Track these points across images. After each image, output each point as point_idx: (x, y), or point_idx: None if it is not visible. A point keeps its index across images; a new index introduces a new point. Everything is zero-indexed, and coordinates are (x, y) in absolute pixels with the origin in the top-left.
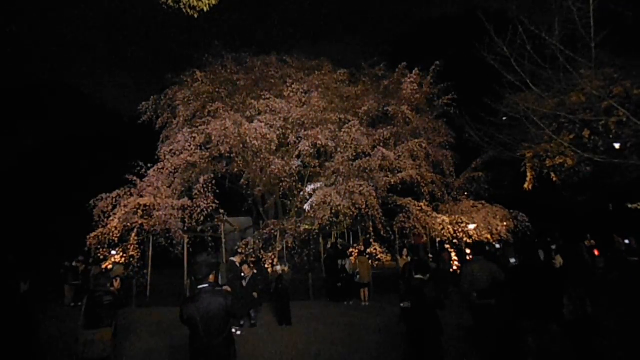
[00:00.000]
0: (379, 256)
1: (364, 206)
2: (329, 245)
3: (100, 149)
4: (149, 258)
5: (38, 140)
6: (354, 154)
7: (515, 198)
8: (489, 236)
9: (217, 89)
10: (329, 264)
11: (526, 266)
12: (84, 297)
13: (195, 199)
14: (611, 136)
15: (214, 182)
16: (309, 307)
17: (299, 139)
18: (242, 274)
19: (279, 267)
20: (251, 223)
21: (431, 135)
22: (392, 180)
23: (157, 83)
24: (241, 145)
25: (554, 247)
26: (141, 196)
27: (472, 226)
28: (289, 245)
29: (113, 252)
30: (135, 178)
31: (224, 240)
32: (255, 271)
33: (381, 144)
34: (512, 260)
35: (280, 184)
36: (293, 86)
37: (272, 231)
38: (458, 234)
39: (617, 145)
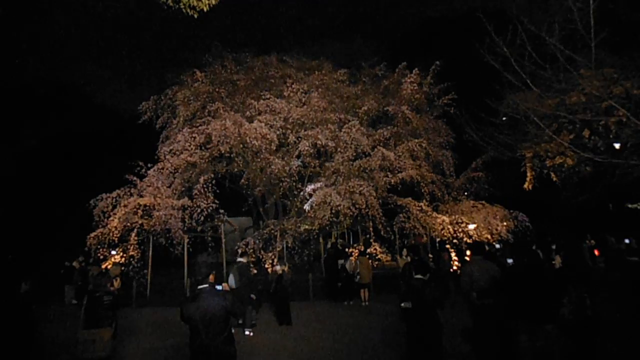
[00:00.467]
0: (379, 256)
1: (364, 206)
2: (329, 245)
3: (101, 149)
4: (149, 258)
5: (38, 140)
6: (354, 154)
7: (515, 198)
8: (489, 236)
9: (217, 89)
10: (329, 264)
11: (521, 266)
12: (84, 296)
13: (195, 199)
14: (611, 136)
15: (214, 182)
16: (309, 307)
17: (299, 139)
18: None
19: (278, 267)
20: (251, 223)
21: (431, 135)
22: (392, 180)
23: (157, 83)
24: (241, 145)
25: (554, 247)
26: (141, 196)
27: (472, 226)
28: (289, 245)
29: (113, 252)
30: (135, 178)
31: (224, 240)
32: (255, 271)
33: (381, 144)
34: (509, 261)
35: (280, 184)
36: (293, 86)
37: (272, 231)
38: (458, 234)
39: (617, 145)
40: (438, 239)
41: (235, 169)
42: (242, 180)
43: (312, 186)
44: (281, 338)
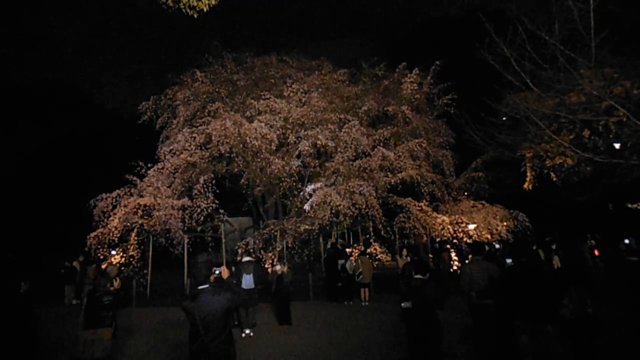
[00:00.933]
0: (379, 256)
1: (364, 206)
2: (329, 245)
3: (100, 149)
4: (149, 258)
5: (38, 140)
6: (354, 154)
7: (515, 198)
8: (489, 236)
9: (217, 89)
10: (329, 264)
11: (520, 266)
12: (84, 296)
13: (195, 199)
14: (611, 136)
15: (214, 182)
16: (309, 307)
17: (299, 139)
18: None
19: (278, 267)
20: (251, 223)
21: (431, 135)
22: (392, 180)
23: (157, 83)
24: (241, 145)
25: (554, 246)
26: (141, 196)
27: (472, 226)
28: (289, 245)
29: (113, 252)
30: (135, 178)
31: (224, 240)
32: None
33: (381, 144)
34: (508, 261)
35: (280, 184)
36: (293, 86)
37: (272, 231)
38: (458, 234)
39: (617, 145)
40: (438, 239)
41: (235, 169)
42: (242, 180)
43: (312, 186)
44: (281, 338)
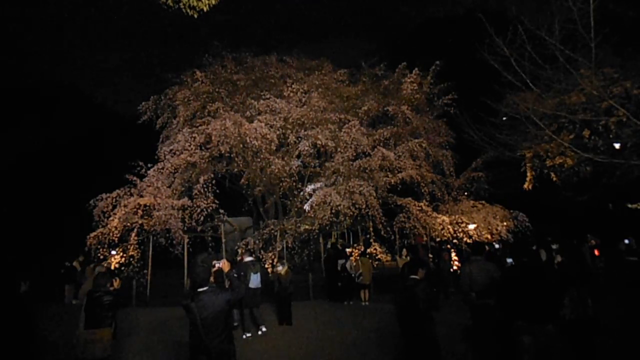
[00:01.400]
0: (379, 256)
1: (364, 206)
2: (329, 245)
3: (100, 149)
4: (149, 258)
5: (38, 140)
6: (354, 154)
7: (515, 198)
8: (489, 236)
9: (217, 89)
10: (329, 264)
11: (520, 266)
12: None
13: (195, 199)
14: (611, 136)
15: (214, 182)
16: (309, 307)
17: (299, 139)
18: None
19: (280, 268)
20: (251, 223)
21: (431, 135)
22: (392, 180)
23: (157, 83)
24: (241, 145)
25: (554, 246)
26: (141, 196)
27: (472, 226)
28: (289, 245)
29: (113, 252)
30: (135, 178)
31: (224, 240)
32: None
33: (381, 144)
34: (509, 261)
35: (280, 184)
36: (293, 86)
37: (272, 231)
38: (458, 234)
39: (617, 145)
40: (438, 239)
41: (235, 169)
42: (242, 180)
43: (312, 186)
44: (281, 338)
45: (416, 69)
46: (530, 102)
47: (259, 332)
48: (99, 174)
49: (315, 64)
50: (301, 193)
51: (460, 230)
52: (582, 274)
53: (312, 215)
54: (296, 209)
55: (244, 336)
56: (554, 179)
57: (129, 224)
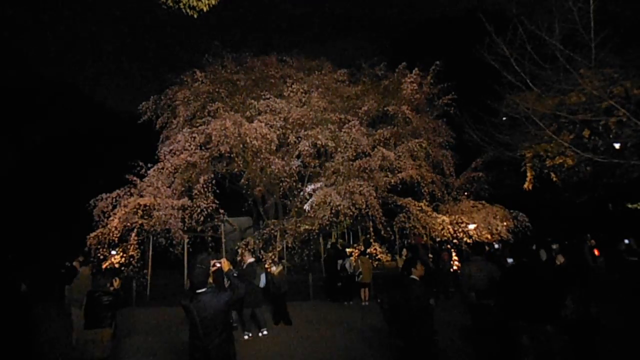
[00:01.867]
0: (379, 256)
1: (364, 206)
2: (329, 245)
3: (101, 149)
4: (149, 258)
5: (38, 140)
6: (354, 154)
7: (515, 198)
8: (489, 236)
9: (217, 89)
10: (328, 264)
11: (520, 266)
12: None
13: (195, 199)
14: (611, 136)
15: (214, 182)
16: (309, 307)
17: (299, 139)
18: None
19: (274, 268)
20: (251, 223)
21: (431, 135)
22: (392, 180)
23: (157, 83)
24: (241, 145)
25: (554, 246)
26: (141, 196)
27: (472, 226)
28: (289, 245)
29: (113, 252)
30: (135, 178)
31: (224, 240)
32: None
33: (381, 144)
34: (510, 261)
35: (280, 184)
36: (293, 86)
37: (272, 231)
38: (458, 234)
39: (617, 145)
40: (438, 239)
41: (235, 169)
42: (242, 180)
43: (312, 186)
44: (281, 338)
45: (416, 69)
46: (530, 102)
47: (260, 334)
48: (99, 174)
49: (315, 64)
50: (301, 193)
51: (460, 230)
52: (583, 274)
53: (312, 215)
54: (296, 209)
55: (246, 337)
56: (554, 179)
57: (129, 224)
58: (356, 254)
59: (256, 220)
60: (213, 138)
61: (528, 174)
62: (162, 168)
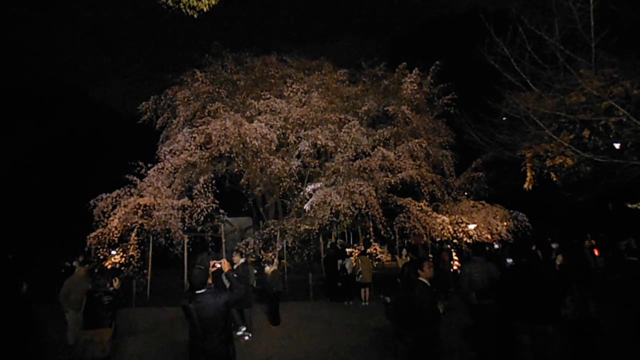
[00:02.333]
0: (379, 256)
1: (364, 206)
2: (329, 245)
3: (100, 149)
4: (149, 258)
5: (38, 140)
6: (354, 154)
7: (515, 198)
8: (489, 236)
9: (217, 89)
10: (328, 264)
11: (520, 267)
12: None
13: (195, 199)
14: (611, 136)
15: (214, 182)
16: (309, 307)
17: (299, 139)
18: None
19: (267, 267)
20: (251, 223)
21: (431, 135)
22: (392, 180)
23: (157, 83)
24: (241, 145)
25: (554, 246)
26: (141, 196)
27: (472, 226)
28: (289, 245)
29: (113, 252)
30: (135, 178)
31: (224, 240)
32: (255, 271)
33: (381, 144)
34: (509, 261)
35: (280, 184)
36: (293, 86)
37: (272, 231)
38: (458, 234)
39: (617, 145)
40: (438, 239)
41: (235, 169)
42: (242, 180)
43: (312, 186)
44: (281, 338)
45: (416, 69)
46: (530, 102)
47: (238, 333)
48: (99, 174)
49: (315, 64)
50: (301, 193)
51: (460, 230)
52: (584, 274)
53: (312, 215)
54: (296, 209)
55: (246, 337)
56: (554, 179)
57: (129, 224)
58: (356, 254)
59: (256, 220)
60: (213, 138)
61: (528, 174)
62: (162, 168)
